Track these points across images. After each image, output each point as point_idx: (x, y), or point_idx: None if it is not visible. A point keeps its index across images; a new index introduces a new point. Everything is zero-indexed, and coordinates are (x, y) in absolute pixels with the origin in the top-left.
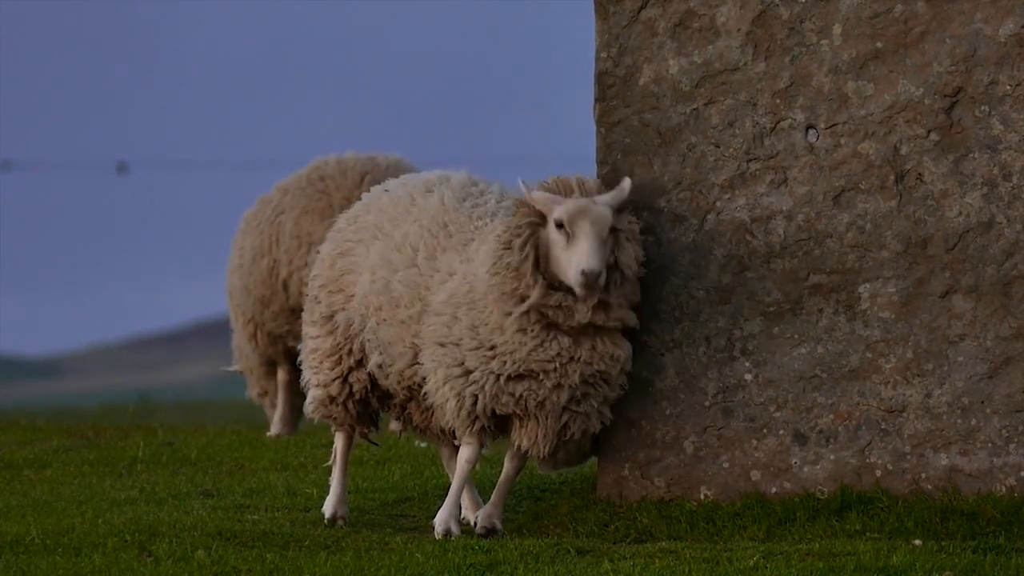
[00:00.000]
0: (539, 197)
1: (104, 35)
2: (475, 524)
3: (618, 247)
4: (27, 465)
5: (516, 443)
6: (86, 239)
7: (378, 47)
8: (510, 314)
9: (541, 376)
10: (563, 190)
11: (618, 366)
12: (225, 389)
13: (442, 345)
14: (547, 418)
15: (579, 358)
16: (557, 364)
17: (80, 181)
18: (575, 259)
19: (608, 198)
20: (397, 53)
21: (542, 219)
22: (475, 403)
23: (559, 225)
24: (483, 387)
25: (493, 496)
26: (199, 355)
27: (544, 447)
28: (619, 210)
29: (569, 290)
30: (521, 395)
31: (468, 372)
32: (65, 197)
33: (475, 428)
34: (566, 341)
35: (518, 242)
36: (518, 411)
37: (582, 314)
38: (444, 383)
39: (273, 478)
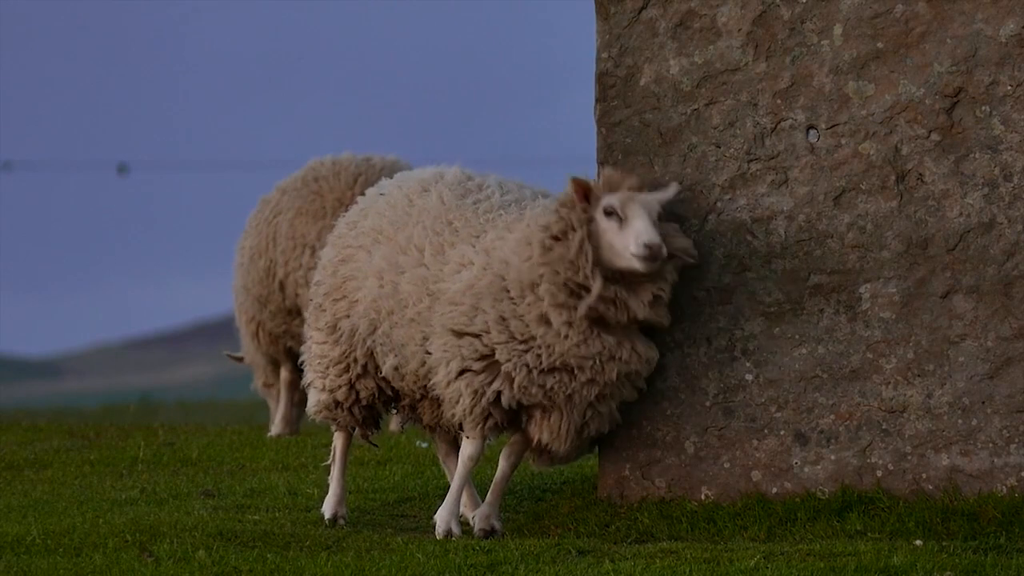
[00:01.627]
0: (592, 184)
1: (105, 35)
2: (472, 523)
3: (668, 238)
4: (28, 465)
5: (535, 437)
6: (86, 239)
7: (379, 47)
8: (563, 307)
9: (576, 371)
10: (610, 185)
11: (649, 368)
12: (226, 389)
13: (459, 335)
14: (572, 412)
15: (619, 357)
16: (596, 361)
17: (80, 181)
18: (633, 236)
19: (655, 194)
20: (398, 53)
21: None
22: (498, 398)
23: (609, 212)
24: (512, 380)
25: (489, 496)
26: (200, 355)
27: (565, 441)
28: (663, 210)
29: (623, 282)
30: (552, 387)
31: (491, 365)
32: (65, 197)
33: (487, 424)
34: (611, 340)
35: (577, 237)
36: (544, 402)
37: (638, 308)
38: (458, 376)
39: (274, 478)
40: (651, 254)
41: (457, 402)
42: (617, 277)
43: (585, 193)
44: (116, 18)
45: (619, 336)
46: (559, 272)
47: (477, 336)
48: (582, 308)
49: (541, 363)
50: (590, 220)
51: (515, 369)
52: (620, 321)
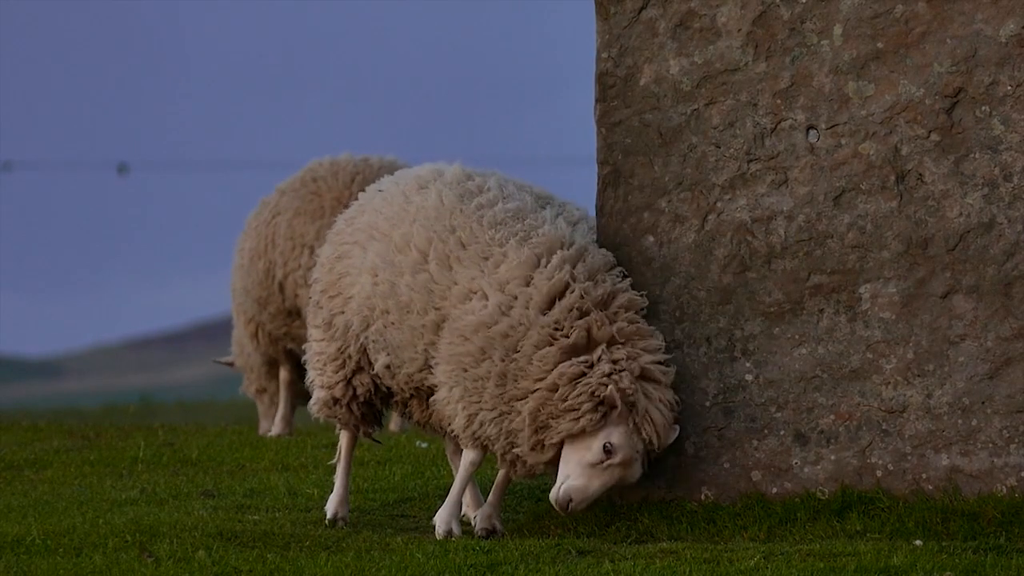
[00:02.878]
0: (621, 403)
1: (105, 35)
2: (474, 523)
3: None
4: (28, 465)
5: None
6: (86, 239)
7: (380, 47)
8: (541, 435)
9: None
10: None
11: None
12: (226, 389)
13: (465, 370)
14: (534, 470)
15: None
16: (555, 471)
17: (80, 181)
18: (581, 479)
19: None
20: (398, 53)
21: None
22: (480, 427)
23: (608, 451)
24: (488, 428)
25: (491, 496)
26: (199, 355)
27: (532, 477)
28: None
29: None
30: (524, 459)
31: (482, 408)
32: (65, 197)
33: (478, 443)
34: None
35: (588, 406)
36: (507, 457)
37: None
38: (459, 401)
39: (274, 478)
40: (561, 506)
41: (454, 419)
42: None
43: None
44: (116, 18)
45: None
46: (558, 401)
47: (481, 380)
48: (545, 454)
49: (516, 438)
50: (595, 413)
51: (490, 423)
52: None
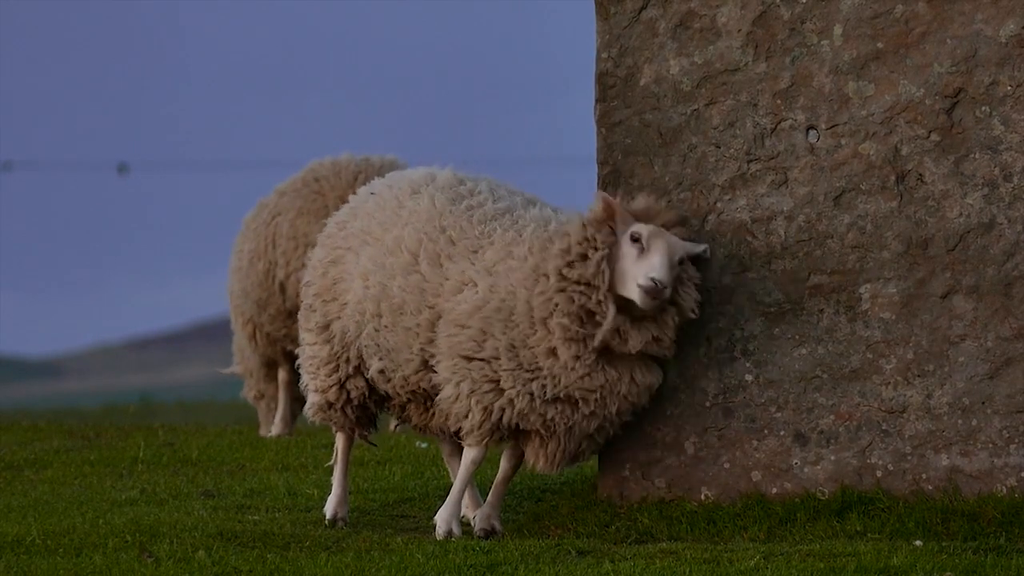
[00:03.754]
0: (618, 206)
1: (105, 35)
2: (474, 523)
3: (681, 287)
4: (28, 465)
5: (529, 460)
6: (86, 239)
7: (380, 47)
8: (574, 340)
9: (580, 403)
10: (648, 215)
11: (649, 395)
12: (226, 390)
13: (469, 359)
14: (570, 441)
15: (620, 392)
16: (599, 395)
17: (80, 181)
18: (645, 268)
19: (685, 243)
20: (399, 53)
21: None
22: (502, 416)
23: (635, 239)
24: (515, 406)
25: (490, 496)
26: (200, 355)
27: (556, 467)
28: (687, 261)
29: (627, 314)
30: (553, 417)
31: (501, 389)
32: (65, 197)
33: (493, 438)
34: (614, 373)
35: (597, 256)
36: (543, 431)
37: (635, 343)
38: (469, 396)
39: (274, 479)
40: (654, 290)
41: (466, 417)
42: (624, 307)
43: (611, 213)
44: (116, 18)
45: (620, 369)
46: (573, 299)
47: (488, 362)
48: (598, 337)
49: (545, 393)
50: (613, 242)
51: (518, 396)
52: (621, 350)
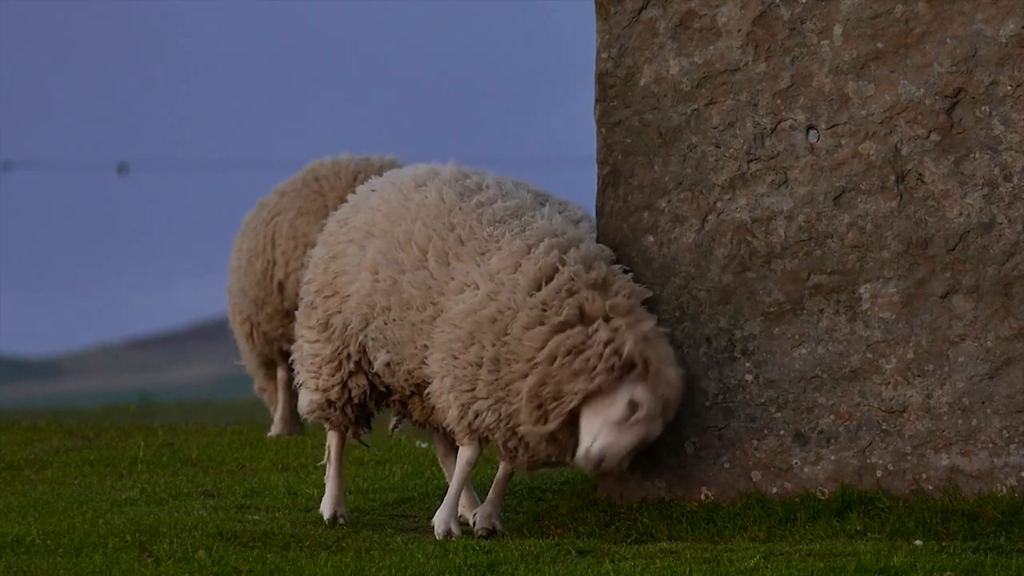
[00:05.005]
0: (642, 364)
1: (105, 35)
2: (473, 523)
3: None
4: (28, 465)
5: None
6: (86, 239)
7: (380, 48)
8: (542, 413)
9: (538, 448)
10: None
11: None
12: (226, 389)
13: (455, 357)
14: (536, 456)
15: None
16: (558, 450)
17: (80, 181)
18: (612, 439)
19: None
20: (399, 54)
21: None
22: (474, 420)
23: (632, 408)
24: (482, 418)
25: (490, 495)
26: (200, 355)
27: (529, 471)
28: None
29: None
30: (514, 447)
31: (476, 397)
32: (65, 197)
33: (475, 436)
34: (572, 442)
35: (603, 366)
36: (509, 444)
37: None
38: (450, 391)
39: (274, 478)
40: (598, 465)
41: (447, 411)
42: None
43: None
44: (116, 18)
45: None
46: (564, 368)
47: (471, 366)
48: (552, 423)
49: (510, 421)
50: (610, 371)
51: (488, 411)
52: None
